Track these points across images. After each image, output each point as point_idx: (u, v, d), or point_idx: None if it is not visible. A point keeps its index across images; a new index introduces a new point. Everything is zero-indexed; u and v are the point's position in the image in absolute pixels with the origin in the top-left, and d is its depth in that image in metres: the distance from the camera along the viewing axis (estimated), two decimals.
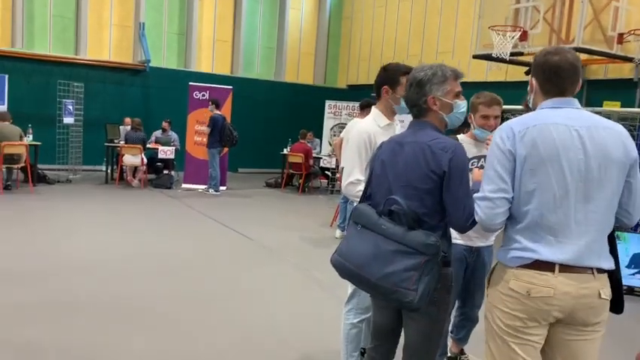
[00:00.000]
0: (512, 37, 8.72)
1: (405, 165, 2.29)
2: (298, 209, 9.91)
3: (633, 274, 5.52)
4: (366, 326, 3.05)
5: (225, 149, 11.06)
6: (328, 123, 12.94)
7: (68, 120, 11.55)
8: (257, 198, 10.87)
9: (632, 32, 8.70)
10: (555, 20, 9.39)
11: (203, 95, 11.40)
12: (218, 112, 10.65)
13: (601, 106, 8.62)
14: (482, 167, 2.95)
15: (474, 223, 2.15)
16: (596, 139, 1.98)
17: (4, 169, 9.39)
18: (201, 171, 11.10)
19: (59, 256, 5.73)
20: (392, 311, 2.43)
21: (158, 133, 12.05)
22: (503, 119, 2.93)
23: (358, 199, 2.62)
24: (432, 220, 2.24)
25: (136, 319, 4.17)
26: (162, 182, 11.21)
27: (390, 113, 3.00)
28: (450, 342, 3.54)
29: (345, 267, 2.35)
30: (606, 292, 2.03)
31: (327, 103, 12.97)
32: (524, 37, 8.88)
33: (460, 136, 3.22)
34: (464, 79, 2.42)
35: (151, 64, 13.54)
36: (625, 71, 9.54)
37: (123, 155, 10.85)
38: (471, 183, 2.27)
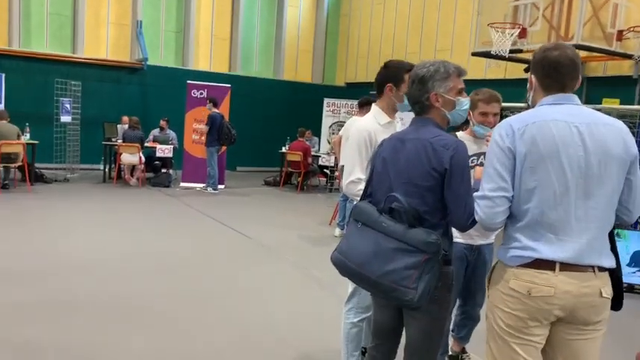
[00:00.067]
0: (512, 35, 8.70)
1: (407, 162, 2.27)
2: (297, 208, 9.89)
3: (634, 272, 5.51)
4: (367, 325, 3.03)
5: (224, 148, 11.04)
6: (327, 121, 12.92)
7: (65, 119, 11.51)
8: (255, 196, 10.85)
9: (632, 29, 8.68)
10: (554, 17, 9.36)
11: (201, 93, 11.37)
12: (216, 110, 10.62)
13: (600, 104, 8.61)
14: (482, 164, 2.93)
15: (475, 222, 2.13)
16: (596, 136, 1.97)
17: (1, 168, 9.36)
18: (200, 169, 11.08)
19: (57, 255, 5.71)
20: (393, 310, 2.42)
21: (156, 131, 12.01)
22: (502, 117, 2.90)
23: (359, 198, 2.59)
24: (432, 218, 2.23)
25: (134, 318, 4.15)
26: (161, 181, 11.18)
27: (391, 111, 2.97)
28: (451, 341, 3.53)
29: (345, 265, 2.33)
30: (607, 291, 2.02)
31: (326, 101, 12.94)
32: (523, 34, 8.86)
33: (459, 134, 3.20)
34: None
35: (148, 63, 13.49)
36: (624, 68, 9.54)
37: (121, 154, 10.81)
38: (472, 181, 2.25)
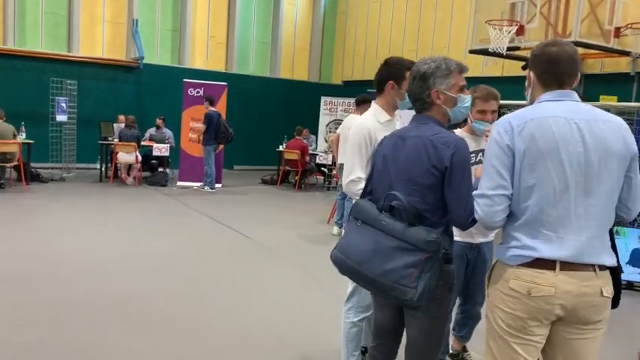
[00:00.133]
0: (509, 32, 8.69)
1: (407, 160, 2.25)
2: (295, 206, 9.87)
3: (633, 270, 5.50)
4: (367, 325, 3.01)
5: (221, 146, 11.01)
6: (324, 119, 12.90)
7: (61, 118, 11.46)
8: (253, 195, 10.82)
9: (629, 26, 8.68)
10: (552, 14, 9.36)
11: (197, 92, 11.33)
12: (213, 108, 10.58)
13: (598, 101, 8.60)
14: (481, 162, 2.90)
15: (475, 220, 2.11)
16: (596, 133, 1.95)
17: None
18: (197, 168, 11.04)
19: (56, 255, 5.68)
20: (393, 309, 2.40)
21: (152, 130, 11.97)
22: (500, 114, 2.88)
23: (359, 197, 2.57)
24: (433, 216, 2.21)
25: (134, 318, 4.13)
26: (157, 180, 11.15)
27: (391, 109, 2.95)
28: (452, 339, 3.51)
29: (345, 263, 2.31)
30: (608, 290, 2.00)
31: (323, 99, 12.92)
32: (520, 31, 8.86)
33: (457, 131, 3.17)
34: None
35: (144, 61, 13.44)
36: (622, 65, 9.54)
37: (117, 153, 10.77)
38: (473, 179, 2.22)
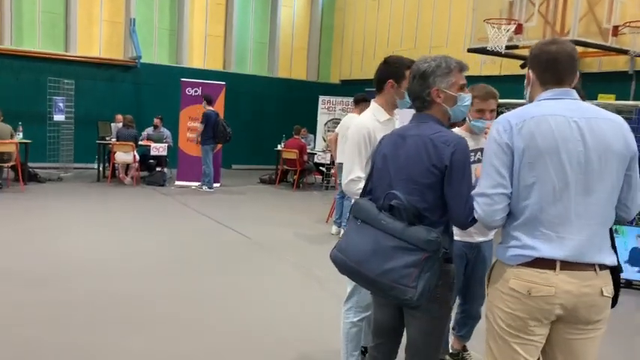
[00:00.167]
0: (507, 30, 8.69)
1: (407, 159, 2.24)
2: (293, 205, 9.86)
3: (632, 268, 5.50)
4: (367, 325, 3.00)
5: (219, 145, 10.98)
6: (322, 118, 12.88)
7: (59, 117, 11.43)
8: (251, 195, 10.81)
9: (627, 24, 8.68)
10: (550, 13, 9.37)
11: (195, 91, 11.31)
12: (211, 108, 10.56)
13: (596, 99, 8.60)
14: (479, 160, 2.89)
15: (475, 220, 2.10)
16: (596, 131, 1.94)
17: None
18: (195, 168, 11.02)
19: (55, 255, 5.66)
20: (393, 309, 2.39)
21: (150, 130, 11.94)
22: (498, 113, 2.87)
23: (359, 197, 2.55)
24: (432, 215, 2.19)
25: (134, 318, 4.12)
26: (155, 179, 11.12)
27: (391, 108, 2.94)
28: (451, 339, 3.50)
29: (344, 263, 2.30)
30: (609, 290, 1.99)
31: (321, 98, 12.90)
32: (519, 30, 8.86)
33: (455, 130, 3.16)
34: None
35: (142, 61, 13.42)
36: (620, 64, 9.53)
37: (115, 153, 10.74)
38: (474, 178, 2.21)
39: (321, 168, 12.22)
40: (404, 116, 2.50)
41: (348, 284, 2.97)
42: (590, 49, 9.07)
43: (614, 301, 2.06)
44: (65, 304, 4.30)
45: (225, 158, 12.32)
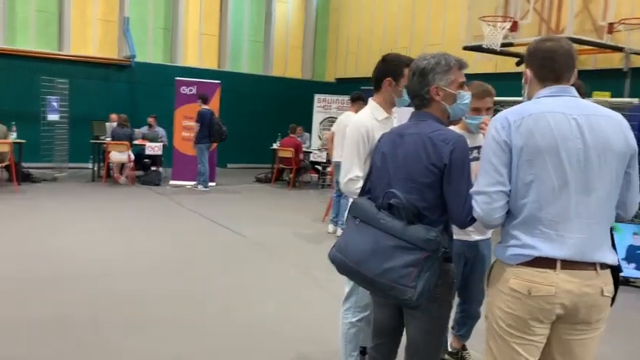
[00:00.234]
0: (503, 28, 8.69)
1: (405, 157, 2.23)
2: (289, 204, 9.84)
3: (629, 265, 5.52)
4: (366, 325, 2.98)
5: (214, 144, 10.94)
6: (318, 117, 12.85)
7: (53, 117, 11.35)
8: (247, 194, 10.78)
9: (622, 22, 8.70)
10: (545, 10, 9.38)
11: (190, 90, 11.26)
12: (206, 106, 10.52)
13: (591, 97, 8.62)
14: (476, 158, 2.88)
15: (474, 219, 2.09)
16: (596, 129, 1.92)
17: None
18: (190, 167, 10.98)
19: (50, 256, 5.62)
20: (392, 309, 2.37)
21: (144, 129, 11.88)
22: (495, 111, 2.85)
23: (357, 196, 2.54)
24: (432, 214, 2.18)
25: (133, 319, 4.10)
26: (150, 179, 11.08)
27: (389, 106, 2.92)
28: (451, 338, 3.49)
29: (343, 263, 2.28)
30: (609, 290, 1.98)
31: (317, 97, 12.88)
32: (514, 27, 8.86)
33: (451, 128, 3.13)
34: None
35: (136, 60, 13.36)
36: (615, 61, 9.55)
37: (109, 152, 10.69)
38: (473, 177, 2.19)
39: (316, 166, 12.20)
40: (402, 114, 2.49)
41: (346, 284, 2.96)
42: (585, 47, 9.07)
43: (612, 299, 2.04)
44: (65, 304, 4.29)
45: (221, 157, 12.28)
